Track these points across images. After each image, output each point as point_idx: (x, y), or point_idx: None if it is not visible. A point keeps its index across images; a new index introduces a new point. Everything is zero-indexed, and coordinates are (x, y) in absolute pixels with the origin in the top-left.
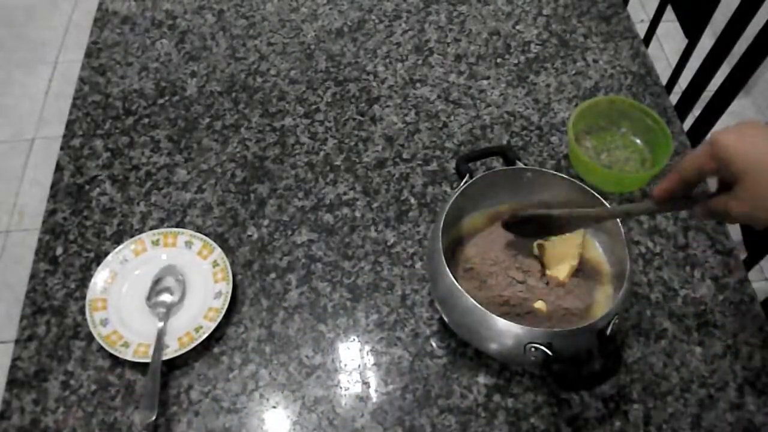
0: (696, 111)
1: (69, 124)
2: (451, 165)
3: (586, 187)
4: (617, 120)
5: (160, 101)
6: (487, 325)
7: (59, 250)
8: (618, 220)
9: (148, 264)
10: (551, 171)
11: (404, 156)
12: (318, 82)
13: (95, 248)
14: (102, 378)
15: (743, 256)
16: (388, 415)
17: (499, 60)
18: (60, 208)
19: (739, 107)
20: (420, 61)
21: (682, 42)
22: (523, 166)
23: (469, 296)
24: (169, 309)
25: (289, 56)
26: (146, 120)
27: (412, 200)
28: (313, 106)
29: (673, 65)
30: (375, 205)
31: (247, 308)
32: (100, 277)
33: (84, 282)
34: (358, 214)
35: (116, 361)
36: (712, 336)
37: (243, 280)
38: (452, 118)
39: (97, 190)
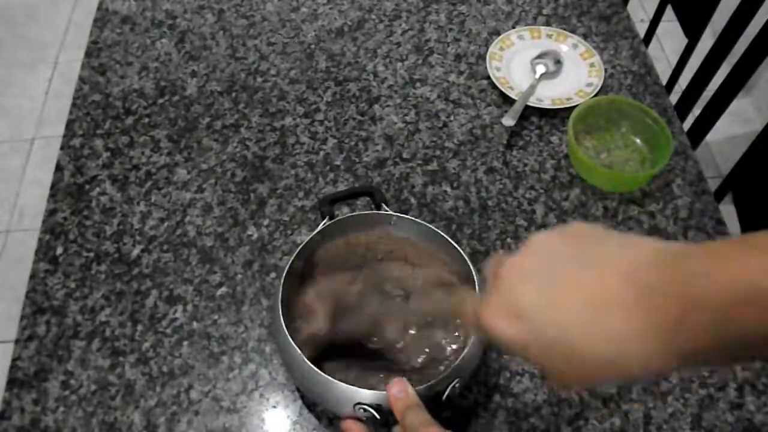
0: (696, 111)
1: (69, 124)
2: (452, 165)
3: (445, 236)
4: (617, 120)
5: (160, 101)
6: (315, 380)
7: (59, 250)
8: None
9: None
10: (415, 219)
11: (404, 156)
12: (318, 82)
13: (95, 248)
14: (102, 378)
15: None
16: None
17: None
18: (60, 208)
19: (739, 107)
20: (420, 61)
21: (682, 42)
22: (388, 212)
23: (296, 346)
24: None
25: (289, 56)
26: (146, 120)
27: (412, 200)
28: (313, 106)
29: (673, 65)
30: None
31: (247, 308)
32: None
33: (84, 282)
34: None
35: (116, 361)
36: None
37: (243, 280)
38: (452, 118)
39: (97, 189)
